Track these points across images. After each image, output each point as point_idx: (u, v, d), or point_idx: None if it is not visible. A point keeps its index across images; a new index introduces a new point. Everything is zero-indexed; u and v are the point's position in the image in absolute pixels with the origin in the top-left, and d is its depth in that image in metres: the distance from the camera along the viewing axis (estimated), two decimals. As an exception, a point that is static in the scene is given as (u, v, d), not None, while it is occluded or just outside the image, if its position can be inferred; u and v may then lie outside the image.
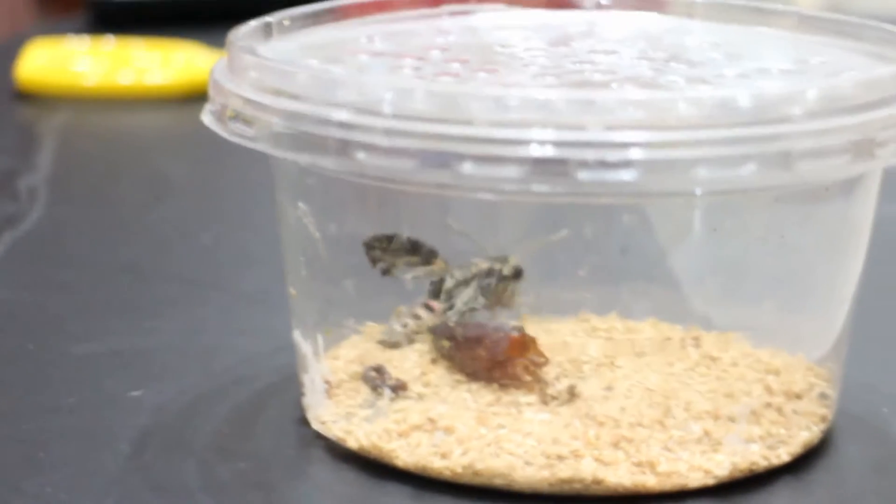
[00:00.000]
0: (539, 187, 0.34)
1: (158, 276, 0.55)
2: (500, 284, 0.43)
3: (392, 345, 0.43)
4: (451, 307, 0.43)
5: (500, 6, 0.47)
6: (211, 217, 0.62)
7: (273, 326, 0.47)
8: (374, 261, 0.42)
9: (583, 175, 0.34)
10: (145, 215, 0.62)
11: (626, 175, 0.34)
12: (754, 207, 0.40)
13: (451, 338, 0.42)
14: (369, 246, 0.42)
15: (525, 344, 0.42)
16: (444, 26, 0.46)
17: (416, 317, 0.43)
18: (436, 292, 0.43)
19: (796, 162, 0.35)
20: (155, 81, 0.79)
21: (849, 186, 0.40)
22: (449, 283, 0.43)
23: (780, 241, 0.40)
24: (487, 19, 0.47)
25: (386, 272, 0.42)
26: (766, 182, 0.35)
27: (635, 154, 0.34)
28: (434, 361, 0.43)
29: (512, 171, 0.34)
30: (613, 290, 0.45)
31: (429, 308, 0.43)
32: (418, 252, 0.43)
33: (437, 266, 0.43)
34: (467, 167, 0.35)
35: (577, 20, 0.47)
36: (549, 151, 0.34)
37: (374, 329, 0.44)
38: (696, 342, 0.43)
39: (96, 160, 0.71)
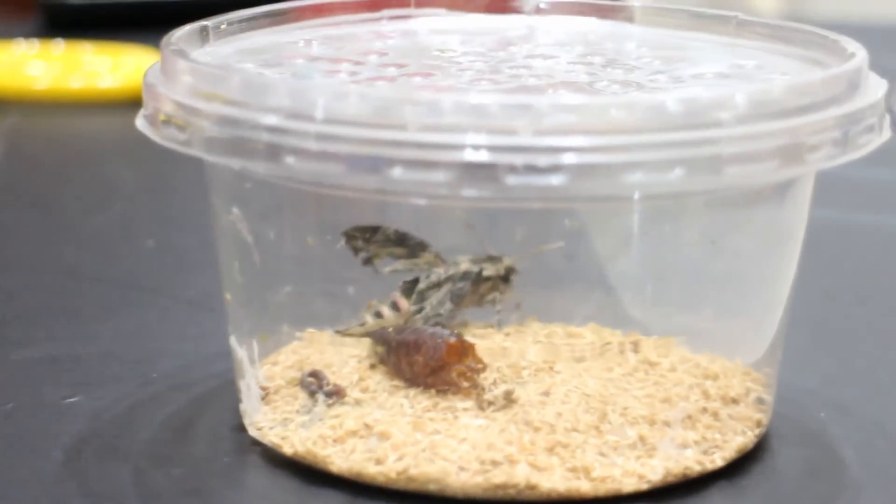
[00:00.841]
0: (468, 192, 0.34)
1: (101, 281, 0.54)
2: (485, 284, 0.42)
3: (345, 333, 0.43)
4: (420, 310, 0.43)
5: (441, 11, 0.47)
6: (157, 221, 0.62)
7: (214, 332, 0.47)
8: (355, 250, 0.42)
9: (511, 180, 0.34)
10: (91, 219, 0.62)
11: (555, 180, 0.34)
12: (688, 212, 0.40)
13: (389, 343, 0.42)
14: (349, 236, 0.42)
15: (462, 350, 0.41)
16: (384, 31, 0.46)
17: (378, 315, 0.43)
18: (408, 290, 0.43)
19: (725, 166, 0.35)
20: (105, 85, 0.78)
21: (781, 191, 0.40)
22: (422, 284, 0.43)
23: (714, 245, 0.40)
24: (427, 24, 0.47)
25: (367, 262, 0.42)
26: (695, 186, 0.35)
27: (565, 159, 0.34)
28: (373, 367, 0.43)
29: (441, 176, 0.34)
30: (555, 295, 0.45)
31: (395, 307, 0.43)
32: (405, 244, 0.43)
33: (424, 260, 0.42)
34: (397, 172, 0.34)
35: (517, 25, 0.47)
36: (477, 156, 0.34)
37: (314, 335, 0.44)
38: (636, 347, 0.43)
39: (44, 164, 0.70)
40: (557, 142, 0.35)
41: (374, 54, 0.44)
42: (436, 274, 0.43)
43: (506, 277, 0.43)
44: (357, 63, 0.43)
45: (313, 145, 0.35)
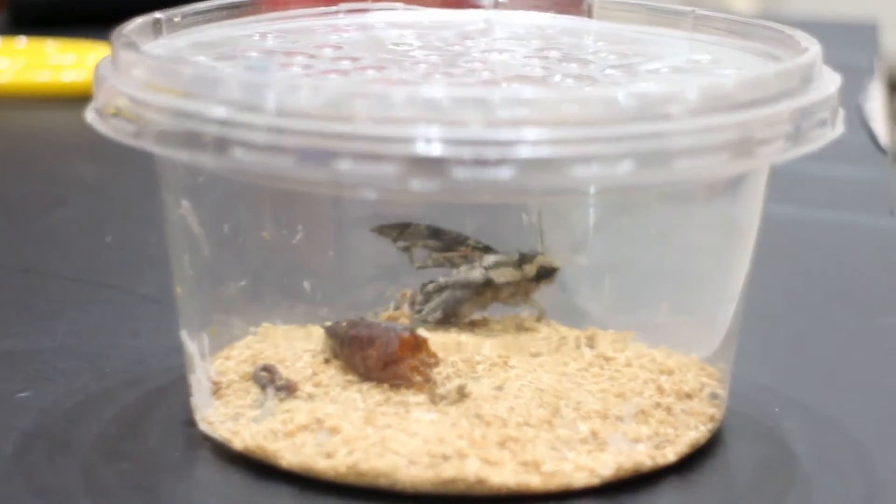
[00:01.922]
0: (416, 185, 0.34)
1: (58, 276, 0.54)
2: (506, 289, 0.42)
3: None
4: (419, 311, 0.43)
5: (398, 4, 0.47)
6: (117, 217, 0.61)
7: (169, 327, 0.46)
8: (392, 239, 0.42)
9: (459, 173, 0.34)
10: (50, 214, 0.61)
11: (503, 174, 0.34)
12: (641, 207, 0.40)
13: (342, 338, 0.42)
14: (380, 232, 0.42)
15: (416, 344, 0.41)
16: (340, 24, 0.46)
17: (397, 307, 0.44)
18: (421, 289, 0.43)
19: (675, 160, 0.35)
20: (69, 80, 0.78)
21: (734, 185, 0.40)
22: (430, 286, 0.43)
23: (667, 240, 0.40)
24: (384, 18, 0.46)
25: (406, 249, 0.42)
26: (644, 180, 0.35)
27: (513, 152, 0.34)
28: (327, 361, 0.42)
29: (389, 169, 0.34)
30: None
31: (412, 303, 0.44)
32: (440, 238, 0.43)
33: (460, 253, 0.42)
34: (345, 165, 0.34)
35: (475, 19, 0.47)
36: (425, 149, 0.34)
37: (268, 329, 0.44)
38: (591, 342, 0.43)
39: (4, 158, 0.70)
40: (506, 135, 0.34)
41: (328, 48, 0.43)
42: (443, 278, 0.43)
43: (539, 277, 0.42)
44: (311, 56, 0.42)
45: (262, 138, 0.35)
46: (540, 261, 0.42)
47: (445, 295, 0.43)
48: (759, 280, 0.53)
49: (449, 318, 0.44)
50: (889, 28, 1.36)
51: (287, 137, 0.35)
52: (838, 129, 0.39)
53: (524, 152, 0.34)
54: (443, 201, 0.40)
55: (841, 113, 0.40)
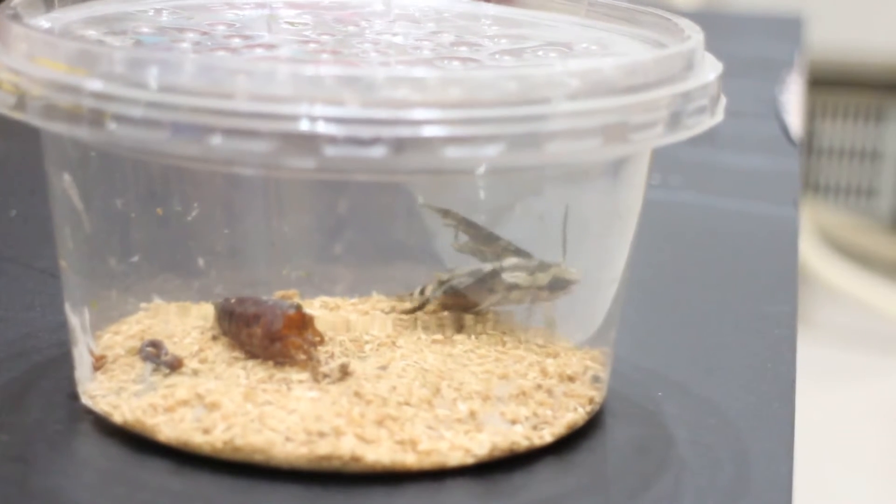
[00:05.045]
0: (289, 162, 0.34)
1: (-43, 249, 0.54)
2: (515, 291, 0.42)
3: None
4: (424, 303, 0.43)
5: (298, -16, 0.47)
6: (22, 192, 0.61)
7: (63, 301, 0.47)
8: (442, 215, 0.43)
9: (330, 151, 0.34)
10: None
11: (374, 152, 0.34)
12: (524, 189, 0.40)
13: (230, 315, 0.42)
14: (428, 208, 0.42)
15: (301, 322, 0.42)
16: (237, 2, 0.46)
17: (422, 292, 0.44)
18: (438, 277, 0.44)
19: (546, 143, 0.35)
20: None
21: (614, 170, 0.40)
22: (444, 275, 0.43)
23: (550, 222, 0.41)
24: (282, -3, 0.47)
25: (455, 227, 0.43)
26: (515, 162, 0.35)
27: (385, 132, 0.34)
28: (215, 338, 0.43)
29: (261, 146, 0.34)
30: (406, 272, 0.46)
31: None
32: (476, 230, 0.43)
33: (492, 248, 0.42)
34: (216, 140, 0.34)
35: (373, 0, 0.47)
36: (297, 126, 0.34)
37: (160, 306, 0.44)
38: (483, 324, 0.43)
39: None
40: (380, 114, 0.35)
41: (222, 25, 0.44)
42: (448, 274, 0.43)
43: (552, 287, 0.42)
44: (204, 34, 0.42)
45: (136, 112, 0.35)
46: (555, 271, 0.42)
47: (454, 281, 0.43)
48: (653, 266, 0.53)
49: (452, 307, 0.43)
50: (818, 22, 1.37)
51: (163, 112, 0.35)
52: (718, 117, 0.39)
53: (397, 132, 0.34)
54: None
55: (722, 101, 0.40)
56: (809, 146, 1.77)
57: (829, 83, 1.73)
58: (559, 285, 0.42)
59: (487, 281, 0.43)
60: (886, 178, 1.78)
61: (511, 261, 0.42)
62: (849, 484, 1.29)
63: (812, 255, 1.62)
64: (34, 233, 0.56)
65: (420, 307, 0.43)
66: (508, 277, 0.42)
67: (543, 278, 0.42)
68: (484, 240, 0.43)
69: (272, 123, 0.34)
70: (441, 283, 0.43)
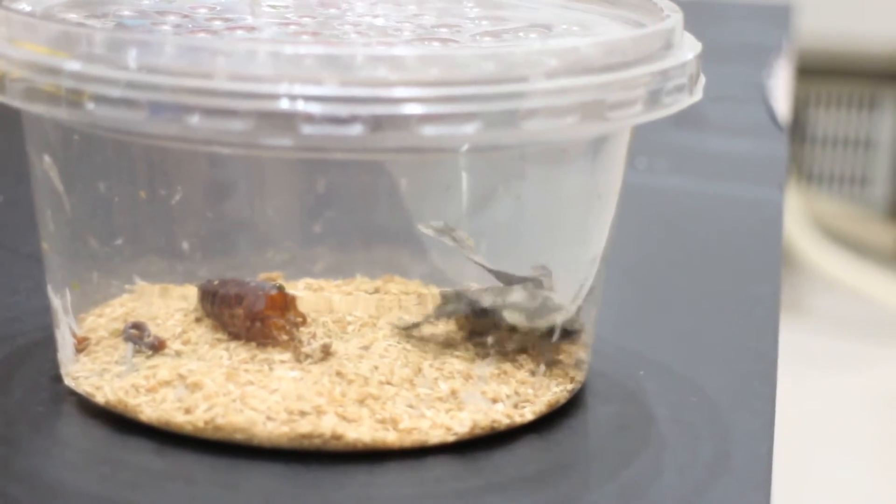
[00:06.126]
0: (265, 141, 0.34)
1: (-57, 235, 0.54)
2: (531, 336, 0.40)
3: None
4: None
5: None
6: (10, 177, 0.61)
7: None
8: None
9: (307, 129, 0.34)
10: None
11: (352, 130, 0.34)
12: (504, 168, 0.40)
13: (214, 296, 0.42)
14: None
15: (283, 303, 0.42)
16: (220, -15, 0.46)
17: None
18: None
19: (523, 121, 0.35)
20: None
21: (594, 149, 0.40)
22: (449, 292, 0.42)
23: (529, 202, 0.41)
24: (265, -21, 0.47)
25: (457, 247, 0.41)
26: (493, 140, 0.35)
27: (363, 109, 0.35)
28: (198, 321, 0.43)
29: (238, 125, 0.34)
30: (389, 253, 0.46)
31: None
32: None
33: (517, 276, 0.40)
34: (195, 119, 0.35)
35: (356, -17, 0.47)
36: (275, 105, 0.34)
37: (144, 288, 0.44)
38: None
39: None
40: (357, 93, 0.35)
41: (203, 8, 0.44)
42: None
43: (565, 335, 0.40)
44: (185, 17, 0.43)
45: (114, 92, 0.35)
46: (556, 317, 0.40)
47: (450, 307, 0.41)
48: (638, 248, 0.53)
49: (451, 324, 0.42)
50: (812, 10, 1.38)
51: (141, 92, 0.35)
52: (696, 96, 0.39)
53: (374, 110, 0.35)
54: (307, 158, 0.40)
55: (702, 80, 0.40)
56: (803, 135, 1.78)
57: (822, 72, 1.73)
58: (563, 335, 0.40)
59: (488, 314, 0.42)
60: (880, 166, 1.78)
61: (517, 294, 0.41)
62: (842, 472, 1.30)
63: (806, 243, 1.62)
64: (21, 219, 0.56)
65: (418, 325, 0.43)
66: (508, 317, 0.41)
67: (542, 324, 0.40)
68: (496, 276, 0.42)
69: (250, 102, 0.35)
70: (444, 303, 0.42)
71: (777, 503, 0.39)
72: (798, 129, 1.76)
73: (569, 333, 0.41)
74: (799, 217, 1.63)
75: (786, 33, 0.90)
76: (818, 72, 1.72)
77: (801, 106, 1.75)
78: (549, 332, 0.41)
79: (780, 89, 0.76)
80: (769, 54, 0.83)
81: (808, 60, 1.60)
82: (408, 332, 0.42)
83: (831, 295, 1.63)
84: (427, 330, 0.42)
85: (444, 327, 0.42)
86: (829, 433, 1.35)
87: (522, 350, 0.41)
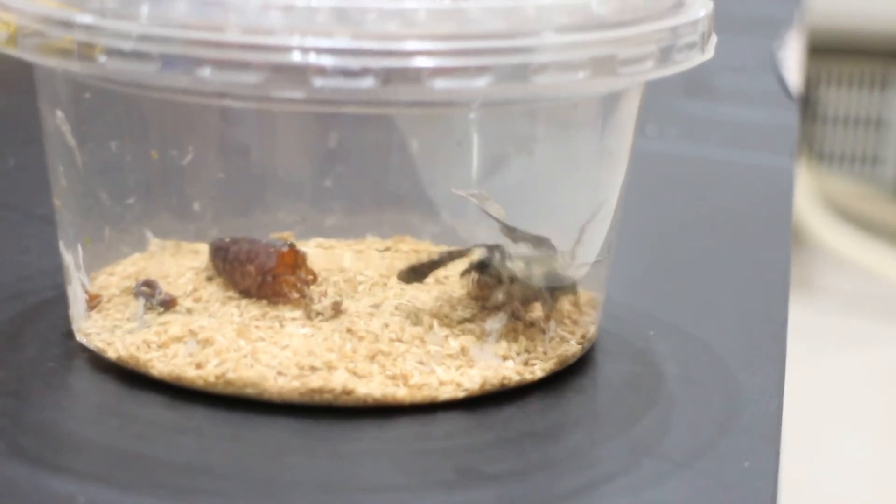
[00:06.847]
0: (277, 93, 0.34)
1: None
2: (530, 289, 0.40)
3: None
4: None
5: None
6: (20, 141, 0.61)
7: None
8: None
9: (319, 82, 0.34)
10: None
11: (363, 83, 0.34)
12: (514, 127, 0.40)
13: (225, 254, 0.42)
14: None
15: (294, 260, 0.42)
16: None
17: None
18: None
19: (534, 76, 0.35)
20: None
21: (605, 108, 0.40)
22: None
23: (540, 161, 0.41)
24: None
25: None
26: (503, 94, 0.35)
27: (374, 63, 0.35)
28: (210, 279, 0.43)
29: (250, 77, 0.34)
30: (400, 214, 0.46)
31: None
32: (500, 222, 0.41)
33: (523, 236, 0.40)
34: (206, 72, 0.35)
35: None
36: (287, 57, 0.34)
37: (156, 246, 0.44)
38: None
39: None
40: (369, 46, 0.35)
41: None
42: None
43: (549, 286, 0.40)
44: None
45: (127, 45, 0.35)
46: (552, 264, 0.40)
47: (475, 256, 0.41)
48: (649, 213, 0.54)
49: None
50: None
51: (153, 45, 0.35)
52: (708, 54, 0.39)
53: (385, 63, 0.35)
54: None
55: (713, 38, 0.40)
56: (814, 114, 1.77)
57: (833, 51, 1.73)
58: (554, 281, 0.41)
59: (498, 270, 0.41)
60: (891, 145, 1.77)
61: (523, 250, 0.41)
62: (851, 449, 1.30)
63: (817, 222, 1.62)
64: (32, 181, 0.56)
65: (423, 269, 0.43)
66: (517, 271, 0.41)
67: (538, 271, 0.41)
68: (506, 230, 0.42)
69: (262, 55, 0.35)
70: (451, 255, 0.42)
71: (786, 476, 0.39)
72: (809, 108, 1.75)
73: (561, 280, 0.41)
74: (809, 196, 1.63)
75: (797, 6, 0.90)
76: (829, 50, 1.72)
77: (812, 85, 1.75)
78: (559, 288, 0.41)
79: (792, 60, 0.76)
80: (780, 27, 0.83)
81: (820, 39, 1.59)
82: (414, 272, 0.41)
83: (842, 273, 1.63)
84: (437, 290, 0.42)
85: (454, 285, 0.43)
86: (838, 411, 1.35)
87: (533, 309, 0.41)
